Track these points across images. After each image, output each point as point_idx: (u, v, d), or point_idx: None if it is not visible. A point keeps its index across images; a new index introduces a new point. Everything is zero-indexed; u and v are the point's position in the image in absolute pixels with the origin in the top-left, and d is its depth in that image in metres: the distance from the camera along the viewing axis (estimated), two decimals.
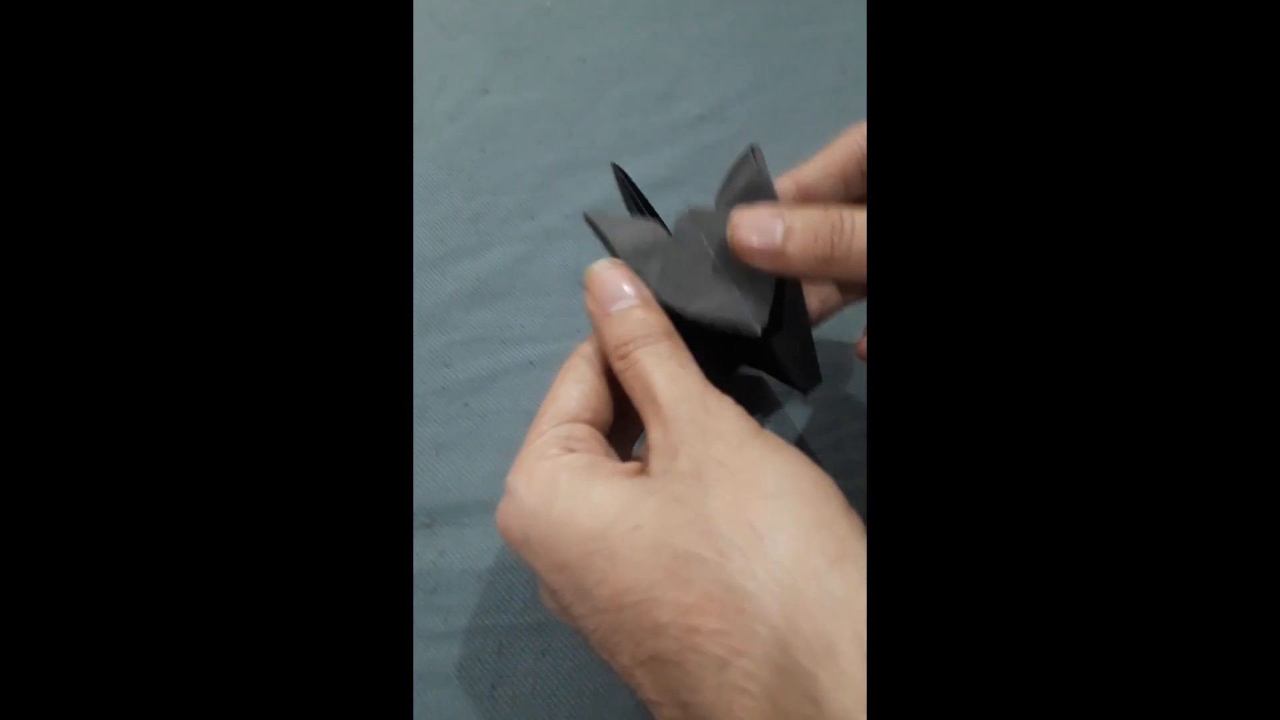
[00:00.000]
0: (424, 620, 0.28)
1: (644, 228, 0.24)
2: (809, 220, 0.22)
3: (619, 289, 0.22)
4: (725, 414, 0.20)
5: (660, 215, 0.27)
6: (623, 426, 0.24)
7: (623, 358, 0.21)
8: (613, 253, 0.23)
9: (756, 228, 0.22)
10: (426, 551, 0.29)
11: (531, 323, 0.33)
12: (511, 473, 0.21)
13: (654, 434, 0.20)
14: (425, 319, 0.34)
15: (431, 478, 0.30)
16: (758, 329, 0.22)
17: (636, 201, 0.27)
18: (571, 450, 0.21)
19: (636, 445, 0.25)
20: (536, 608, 0.28)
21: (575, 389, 0.22)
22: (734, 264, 0.23)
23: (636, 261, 0.23)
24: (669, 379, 0.20)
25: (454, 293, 0.34)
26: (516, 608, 0.28)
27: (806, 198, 0.25)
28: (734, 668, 0.16)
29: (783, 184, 0.25)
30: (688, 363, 0.21)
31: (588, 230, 0.36)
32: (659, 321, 0.22)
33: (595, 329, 0.23)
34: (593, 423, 0.22)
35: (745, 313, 0.22)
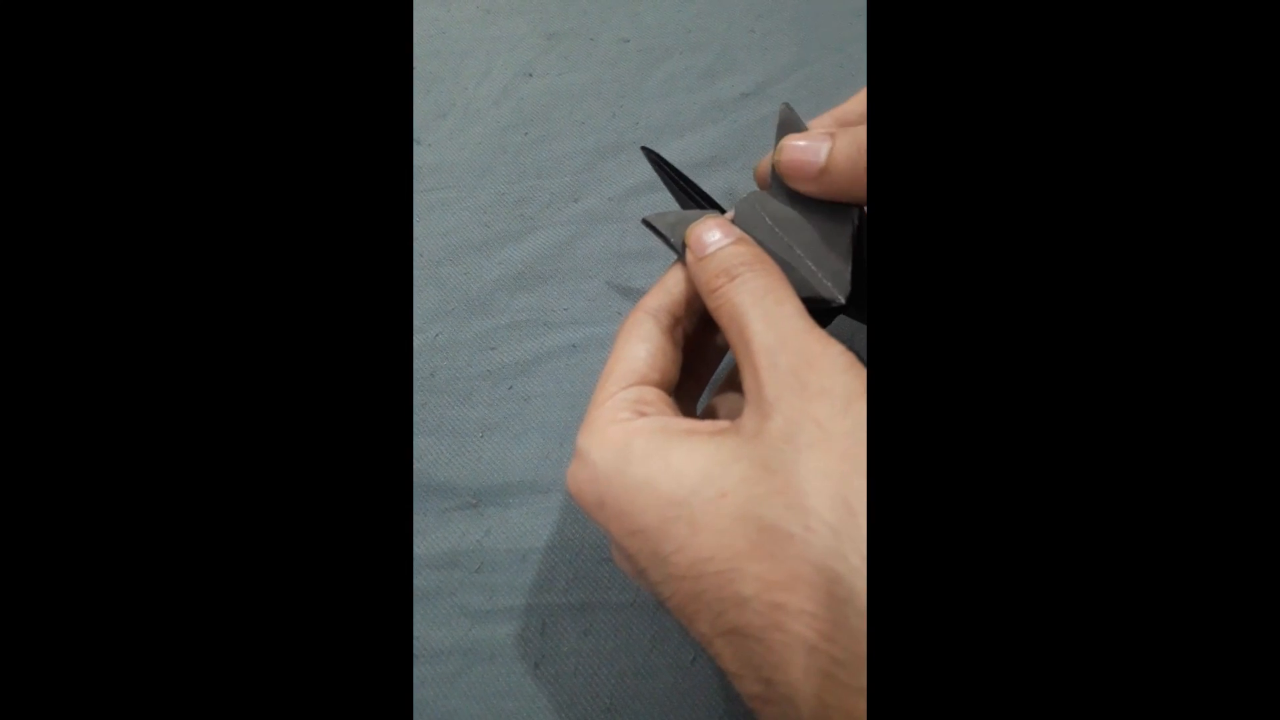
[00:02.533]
0: (469, 598, 0.28)
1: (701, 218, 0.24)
2: (854, 133, 0.21)
3: (713, 234, 0.22)
4: (830, 366, 0.18)
5: (705, 190, 0.27)
6: (686, 384, 0.24)
7: (714, 292, 0.20)
8: (677, 251, 0.23)
9: (800, 147, 0.22)
10: (472, 531, 0.29)
11: (575, 306, 0.33)
12: (581, 434, 0.20)
13: (748, 383, 0.19)
14: (471, 303, 0.34)
15: (478, 459, 0.31)
16: (841, 298, 0.22)
17: (677, 181, 0.26)
18: (643, 414, 0.20)
19: (701, 402, 0.25)
20: (580, 588, 0.28)
21: (642, 348, 0.22)
22: (804, 236, 0.22)
23: None
24: (765, 321, 0.19)
25: (499, 277, 0.34)
26: (560, 587, 0.28)
27: None
28: (823, 653, 0.16)
29: (822, 121, 0.25)
30: (785, 298, 0.20)
31: (630, 213, 0.36)
32: (752, 252, 0.21)
33: (694, 280, 0.22)
34: (660, 384, 0.21)
35: (826, 285, 0.22)
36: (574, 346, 0.33)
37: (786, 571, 0.16)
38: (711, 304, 0.21)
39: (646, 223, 0.24)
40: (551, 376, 0.32)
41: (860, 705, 0.15)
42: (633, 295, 0.33)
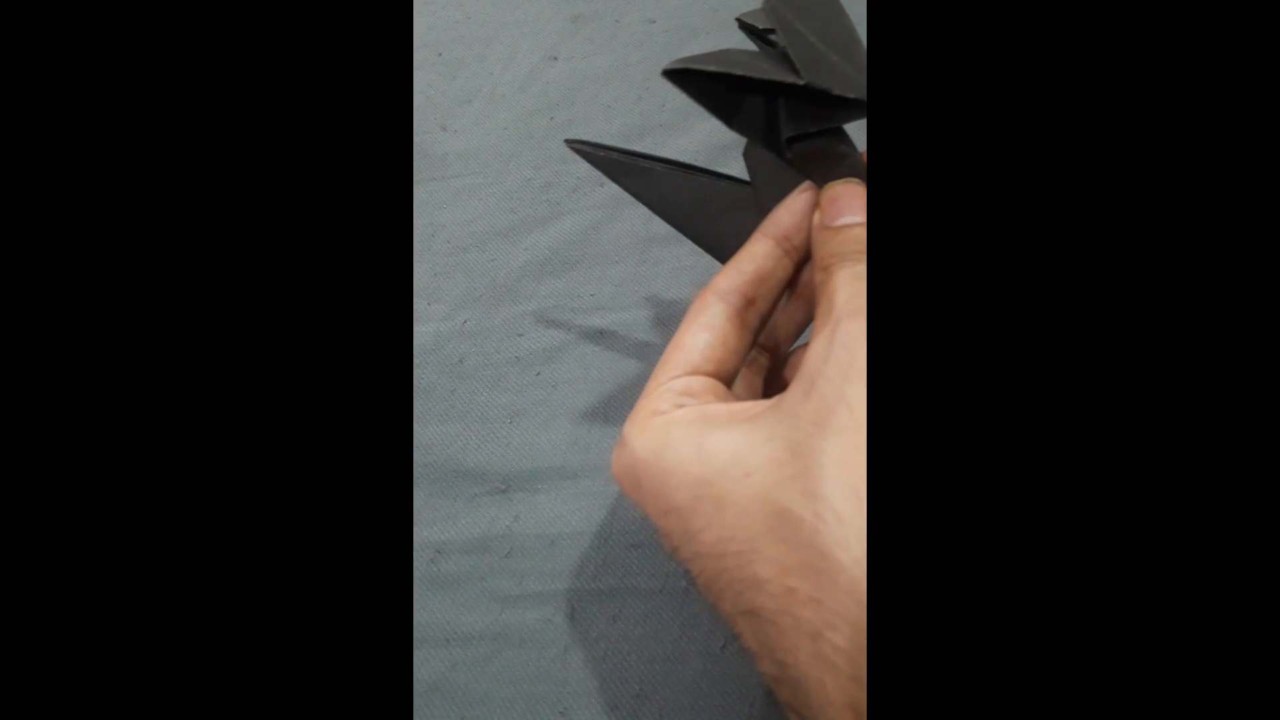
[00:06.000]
0: (499, 583, 0.28)
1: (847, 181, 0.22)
2: None
3: (851, 205, 0.21)
4: None
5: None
6: (759, 358, 0.24)
7: (824, 269, 0.20)
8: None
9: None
10: (502, 516, 0.30)
11: (602, 291, 0.33)
12: (628, 421, 0.21)
13: (808, 354, 0.19)
14: (499, 290, 0.34)
15: (506, 445, 0.31)
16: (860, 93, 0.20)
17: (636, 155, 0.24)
18: (683, 407, 0.20)
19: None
20: (609, 573, 0.28)
21: (702, 337, 0.21)
22: (826, 31, 0.21)
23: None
24: (853, 295, 0.19)
25: (526, 263, 0.34)
26: (589, 573, 0.28)
27: None
28: (825, 641, 0.16)
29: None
30: None
31: None
32: None
33: (813, 245, 0.21)
34: (714, 374, 0.21)
35: (854, 76, 0.21)
36: (601, 332, 0.32)
37: (798, 557, 0.16)
38: (818, 277, 0.20)
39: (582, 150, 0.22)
40: (579, 362, 0.32)
41: (860, 696, 0.15)
42: (660, 280, 0.33)
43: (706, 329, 0.21)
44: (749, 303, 0.22)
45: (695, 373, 0.21)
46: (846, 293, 0.19)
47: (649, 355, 0.32)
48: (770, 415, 0.18)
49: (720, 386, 0.21)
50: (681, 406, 0.20)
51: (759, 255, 0.22)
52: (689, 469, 0.18)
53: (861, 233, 0.20)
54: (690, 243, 0.35)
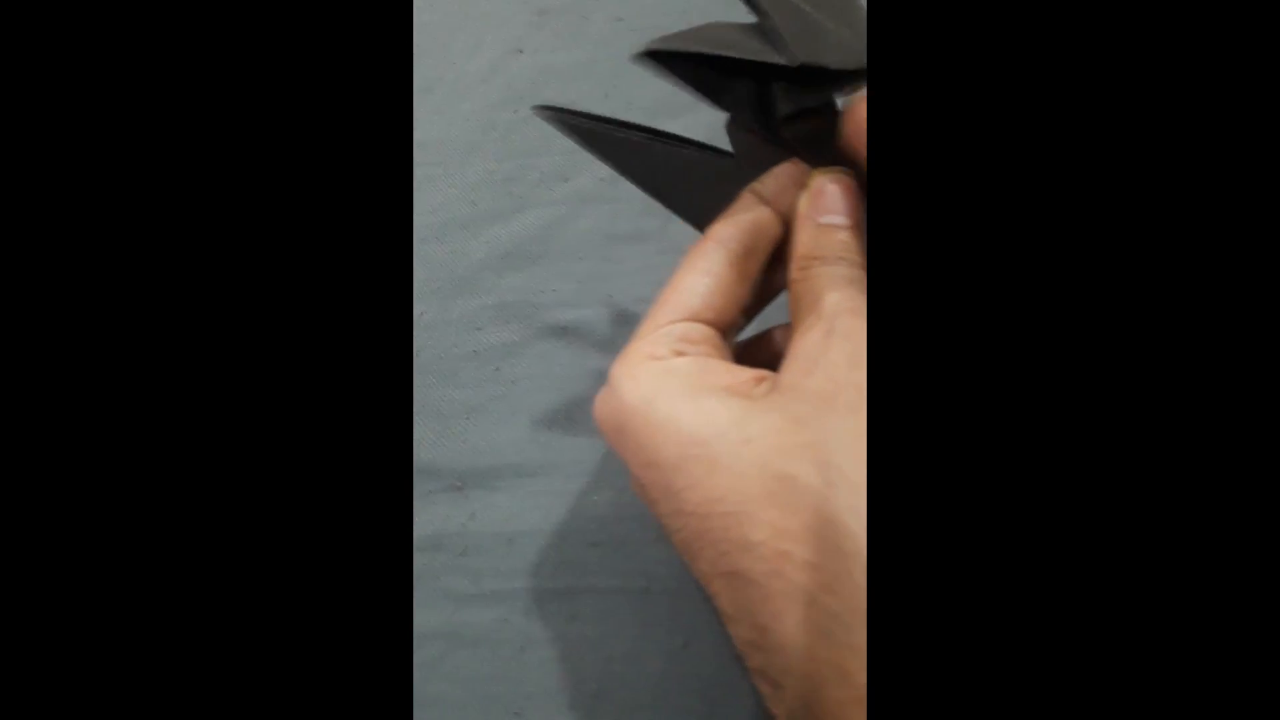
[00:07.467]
0: (453, 582, 0.28)
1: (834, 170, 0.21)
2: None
3: (837, 204, 0.20)
4: None
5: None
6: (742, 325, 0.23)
7: (803, 269, 0.20)
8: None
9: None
10: (457, 514, 0.29)
11: (563, 288, 0.33)
12: (616, 363, 0.20)
13: (800, 342, 0.19)
14: (457, 283, 0.33)
15: (462, 441, 0.30)
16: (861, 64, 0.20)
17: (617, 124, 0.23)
18: (682, 354, 0.20)
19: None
20: (566, 573, 0.28)
21: (701, 282, 0.20)
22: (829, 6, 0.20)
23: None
24: (841, 295, 0.19)
25: (485, 256, 0.34)
26: (546, 572, 0.28)
27: None
28: (821, 606, 0.15)
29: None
30: (864, 287, 0.19)
31: (622, 194, 0.35)
32: (861, 251, 0.20)
33: (795, 231, 0.21)
34: (713, 322, 0.21)
35: (856, 48, 0.20)
36: (563, 329, 0.32)
37: (799, 522, 0.16)
38: (795, 274, 0.20)
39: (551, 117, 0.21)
40: (539, 360, 0.32)
41: (851, 662, 0.15)
42: (624, 278, 0.33)
43: (707, 274, 0.21)
44: (748, 251, 0.21)
45: (694, 319, 0.20)
46: (836, 295, 0.19)
47: (611, 353, 0.31)
48: (766, 394, 0.18)
49: (718, 338, 0.21)
50: (680, 354, 0.20)
51: (752, 208, 0.22)
52: (682, 425, 0.18)
53: (846, 236, 0.20)
54: (655, 242, 0.35)
